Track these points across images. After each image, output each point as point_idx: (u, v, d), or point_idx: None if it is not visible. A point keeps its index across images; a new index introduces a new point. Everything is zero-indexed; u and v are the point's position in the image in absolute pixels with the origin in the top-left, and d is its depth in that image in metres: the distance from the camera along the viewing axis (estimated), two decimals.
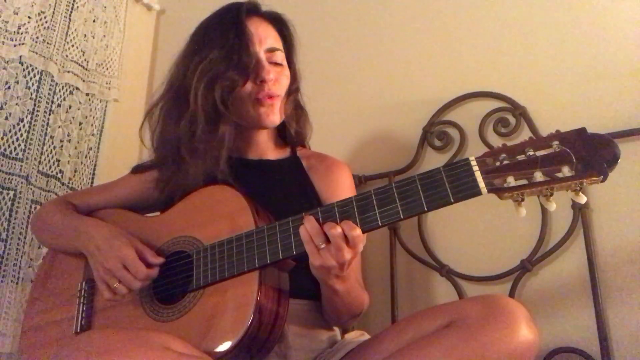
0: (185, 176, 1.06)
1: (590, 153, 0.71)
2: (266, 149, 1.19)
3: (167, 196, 1.10)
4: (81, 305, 1.07)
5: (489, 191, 0.76)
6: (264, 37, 1.11)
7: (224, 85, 1.04)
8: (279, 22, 1.16)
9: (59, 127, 1.65)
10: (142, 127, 1.18)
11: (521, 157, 0.75)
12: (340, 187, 1.14)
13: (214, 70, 1.04)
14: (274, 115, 1.11)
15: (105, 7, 1.84)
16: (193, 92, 1.04)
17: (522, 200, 0.77)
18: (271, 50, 1.11)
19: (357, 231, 0.82)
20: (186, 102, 1.06)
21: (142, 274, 0.96)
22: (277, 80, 1.11)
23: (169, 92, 1.13)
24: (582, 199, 0.75)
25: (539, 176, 0.73)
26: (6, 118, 1.52)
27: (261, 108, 1.09)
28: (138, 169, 1.21)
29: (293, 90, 1.17)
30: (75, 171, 1.68)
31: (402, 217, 0.81)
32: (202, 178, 1.05)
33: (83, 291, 1.08)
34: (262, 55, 1.09)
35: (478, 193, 0.77)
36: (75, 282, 1.10)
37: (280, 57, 1.13)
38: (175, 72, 1.13)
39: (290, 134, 1.21)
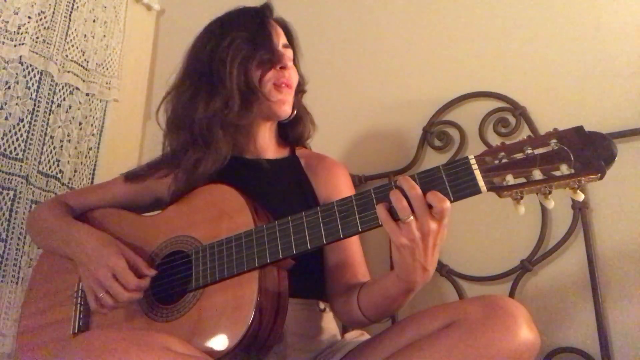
0: (215, 155, 1.06)
1: (588, 151, 0.72)
2: (266, 147, 1.19)
3: (185, 185, 1.07)
4: (78, 305, 1.06)
5: (489, 189, 0.77)
6: (280, 34, 1.17)
7: (255, 65, 1.09)
8: (286, 29, 1.21)
9: (59, 127, 1.65)
10: (159, 109, 1.18)
11: (520, 156, 0.75)
12: (339, 188, 1.14)
13: (247, 50, 1.09)
14: (288, 105, 1.15)
15: (105, 7, 1.84)
16: (228, 69, 1.07)
17: (521, 198, 0.77)
18: (285, 46, 1.17)
19: (447, 203, 0.77)
20: (219, 81, 1.08)
21: (132, 284, 0.95)
22: (293, 72, 1.16)
23: (189, 75, 1.14)
24: (580, 197, 0.75)
25: (537, 174, 0.74)
26: (6, 118, 1.52)
27: (278, 95, 1.12)
28: (132, 179, 1.19)
29: (299, 90, 1.21)
30: (75, 171, 1.68)
31: None
32: (230, 156, 1.08)
33: (80, 292, 1.07)
34: (281, 48, 1.15)
35: (478, 191, 0.77)
36: (72, 283, 1.10)
37: (291, 54, 1.18)
38: (196, 56, 1.15)
39: (294, 134, 1.23)
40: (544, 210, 1.25)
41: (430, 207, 0.78)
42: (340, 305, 1.04)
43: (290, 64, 1.15)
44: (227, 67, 1.07)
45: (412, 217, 0.79)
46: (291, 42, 1.20)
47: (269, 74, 1.11)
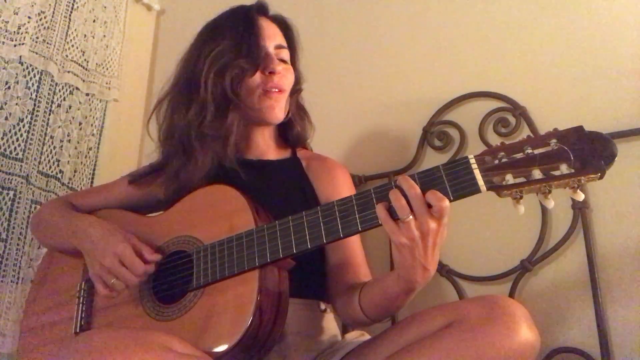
0: (194, 166, 1.06)
1: (588, 151, 0.72)
2: (266, 149, 1.19)
3: (173, 193, 1.09)
4: (80, 305, 1.06)
5: (488, 189, 0.77)
6: (272, 35, 1.14)
7: (233, 74, 1.06)
8: (284, 25, 1.19)
9: (59, 127, 1.65)
10: (149, 120, 1.18)
11: (519, 155, 0.76)
12: (340, 189, 1.14)
13: (225, 59, 1.07)
14: (279, 110, 1.13)
15: (105, 7, 1.84)
16: (203, 79, 1.07)
17: (521, 197, 0.77)
18: (279, 47, 1.15)
19: (445, 202, 0.77)
20: (196, 91, 1.08)
21: (139, 269, 0.96)
22: (284, 76, 1.13)
23: (177, 84, 1.15)
24: (580, 197, 0.75)
25: (537, 174, 0.74)
26: (6, 118, 1.52)
27: (268, 101, 1.11)
28: (136, 183, 1.19)
29: (296, 90, 1.20)
30: (75, 171, 1.68)
31: None
32: (210, 167, 1.07)
33: (82, 291, 1.08)
34: (271, 50, 1.13)
35: (477, 191, 0.77)
36: (74, 282, 1.10)
37: (286, 55, 1.16)
38: (184, 65, 1.15)
39: (292, 135, 1.22)
40: (544, 210, 1.25)
41: (429, 206, 0.78)
42: (342, 304, 1.04)
43: (280, 67, 1.12)
44: (202, 78, 1.07)
45: (411, 217, 0.79)
46: (289, 40, 1.19)
47: (255, 80, 1.09)
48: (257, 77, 1.10)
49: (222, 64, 1.07)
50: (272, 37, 1.14)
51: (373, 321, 1.00)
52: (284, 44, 1.17)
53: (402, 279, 0.87)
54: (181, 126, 1.09)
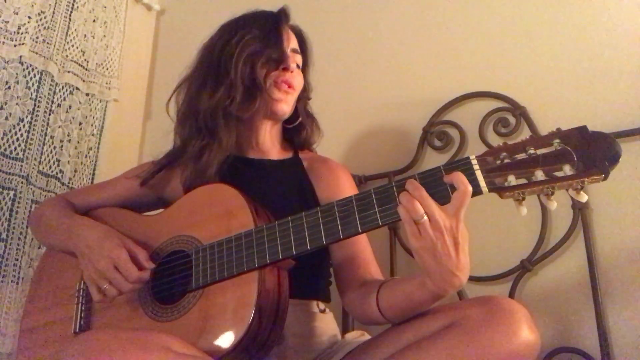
0: (218, 146, 1.08)
1: (592, 151, 0.71)
2: (269, 148, 1.19)
3: (191, 177, 1.09)
4: (80, 305, 1.06)
5: (490, 190, 0.76)
6: (291, 39, 1.18)
7: (263, 62, 1.10)
8: (301, 37, 1.23)
9: (59, 127, 1.65)
10: (169, 101, 1.20)
11: (522, 156, 0.75)
12: (342, 190, 1.13)
13: (256, 46, 1.11)
14: (287, 105, 1.15)
15: (105, 7, 1.84)
16: (234, 62, 1.09)
17: (523, 199, 0.76)
18: (294, 51, 1.18)
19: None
20: (225, 73, 1.10)
21: (133, 276, 0.95)
22: (295, 76, 1.16)
23: (200, 68, 1.17)
24: (584, 198, 0.74)
25: (540, 175, 0.73)
26: (6, 118, 1.52)
27: (277, 93, 1.13)
28: (148, 182, 1.19)
29: (304, 96, 1.22)
30: (75, 171, 1.68)
31: None
32: (229, 154, 1.09)
33: (81, 291, 1.07)
34: (289, 51, 1.15)
35: (479, 192, 0.76)
36: (74, 282, 1.10)
37: (299, 60, 1.19)
38: (208, 51, 1.17)
39: (299, 139, 1.23)
40: (544, 210, 1.25)
41: (439, 203, 0.77)
42: (355, 302, 1.01)
43: (294, 66, 1.15)
44: (233, 60, 1.09)
45: (425, 217, 0.76)
46: (303, 49, 1.22)
47: (272, 73, 1.12)
48: (274, 71, 1.12)
49: (254, 50, 1.10)
50: (290, 41, 1.17)
51: (390, 322, 0.96)
52: (299, 50, 1.20)
53: (428, 286, 0.82)
54: (207, 106, 1.10)
